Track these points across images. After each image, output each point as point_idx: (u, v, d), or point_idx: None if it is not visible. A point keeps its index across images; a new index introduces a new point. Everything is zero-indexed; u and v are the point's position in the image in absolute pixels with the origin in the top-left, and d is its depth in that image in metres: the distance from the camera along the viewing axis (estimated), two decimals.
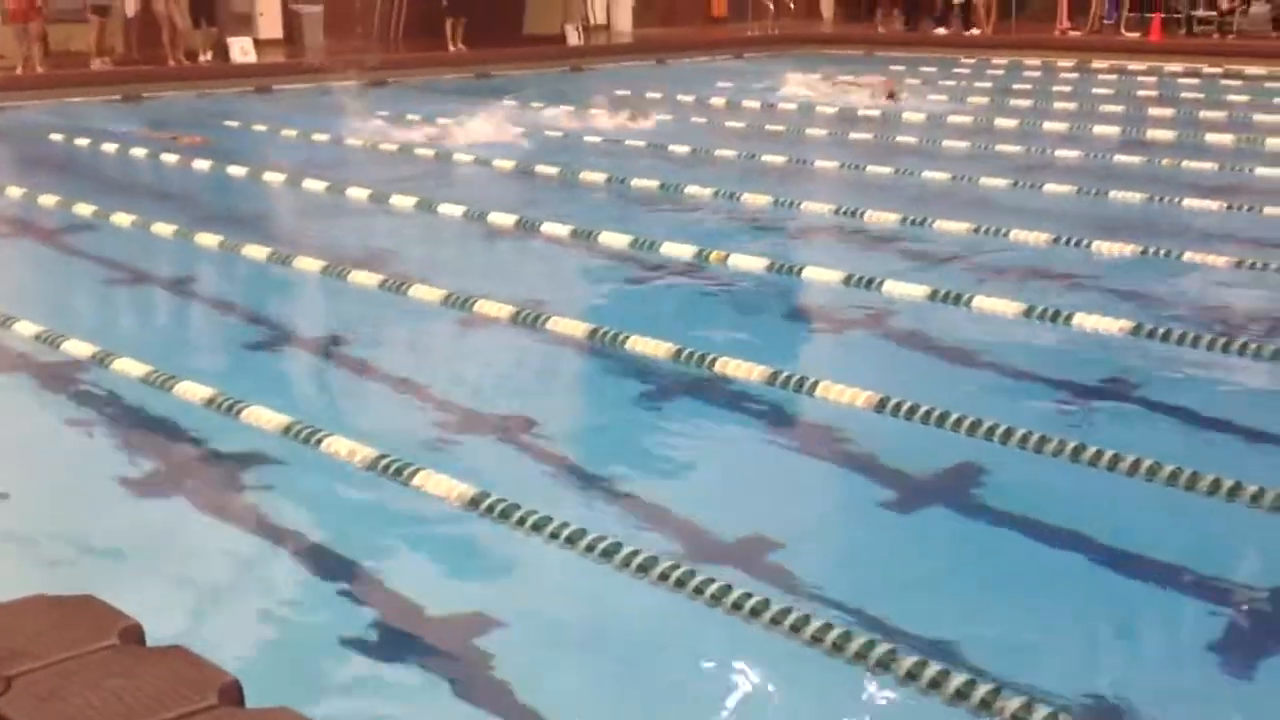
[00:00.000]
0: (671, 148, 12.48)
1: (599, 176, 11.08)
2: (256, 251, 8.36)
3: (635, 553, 3.99)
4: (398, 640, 3.70)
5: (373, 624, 3.75)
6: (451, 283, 7.37)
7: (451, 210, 9.66)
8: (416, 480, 4.60)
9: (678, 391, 5.81)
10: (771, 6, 26.53)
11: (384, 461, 4.73)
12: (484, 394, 5.89)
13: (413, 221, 9.71)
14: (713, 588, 3.77)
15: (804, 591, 3.91)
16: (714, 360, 5.87)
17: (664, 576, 3.87)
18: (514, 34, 23.02)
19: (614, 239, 8.55)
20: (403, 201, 10.02)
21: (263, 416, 5.23)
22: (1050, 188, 10.09)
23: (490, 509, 4.36)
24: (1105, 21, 23.53)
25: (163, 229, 9.07)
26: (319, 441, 4.96)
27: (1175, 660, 3.66)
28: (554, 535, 4.17)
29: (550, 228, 8.95)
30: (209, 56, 19.59)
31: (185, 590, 3.97)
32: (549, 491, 4.71)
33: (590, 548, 4.07)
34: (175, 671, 2.48)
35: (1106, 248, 7.98)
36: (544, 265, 8.53)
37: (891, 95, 16.33)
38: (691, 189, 10.35)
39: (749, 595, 3.72)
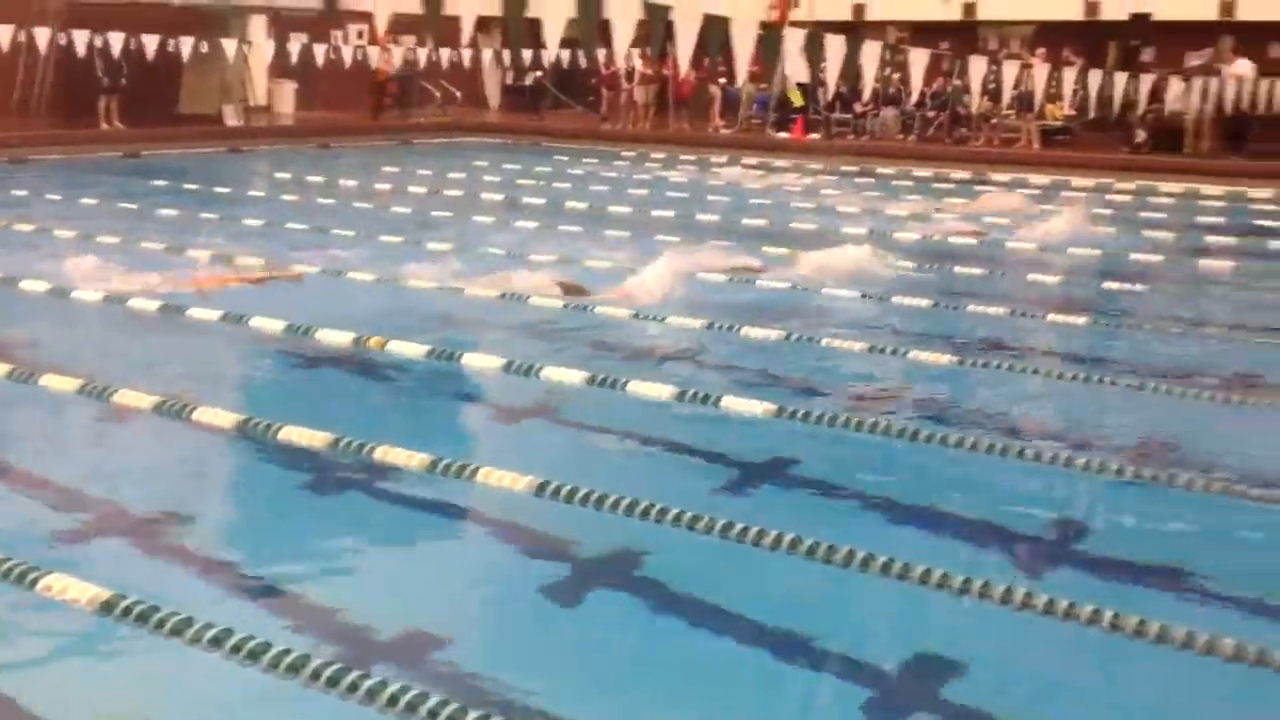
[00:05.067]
0: (335, 231, 12.28)
1: (256, 260, 10.75)
2: None
3: (285, 652, 3.82)
4: None
5: None
6: (89, 371, 6.93)
7: (89, 296, 9.10)
8: (43, 584, 4.25)
9: (335, 482, 5.66)
10: (438, 95, 26.72)
11: (5, 565, 4.35)
12: (123, 490, 5.54)
13: (45, 306, 9.10)
14: (367, 684, 3.66)
15: (465, 683, 3.86)
16: (373, 449, 5.76)
17: (315, 675, 3.73)
18: (168, 113, 22.17)
19: (268, 324, 8.27)
20: (34, 286, 9.38)
21: None
22: (703, 276, 10.52)
23: (127, 612, 4.09)
24: (754, 121, 25.02)
25: None
26: None
27: None
28: (196, 638, 3.94)
29: (199, 313, 8.58)
30: None
31: None
32: (194, 592, 4.48)
33: (236, 649, 3.87)
34: None
35: (754, 333, 8.38)
36: (192, 352, 8.14)
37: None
38: (353, 274, 10.20)
39: (406, 690, 3.63)
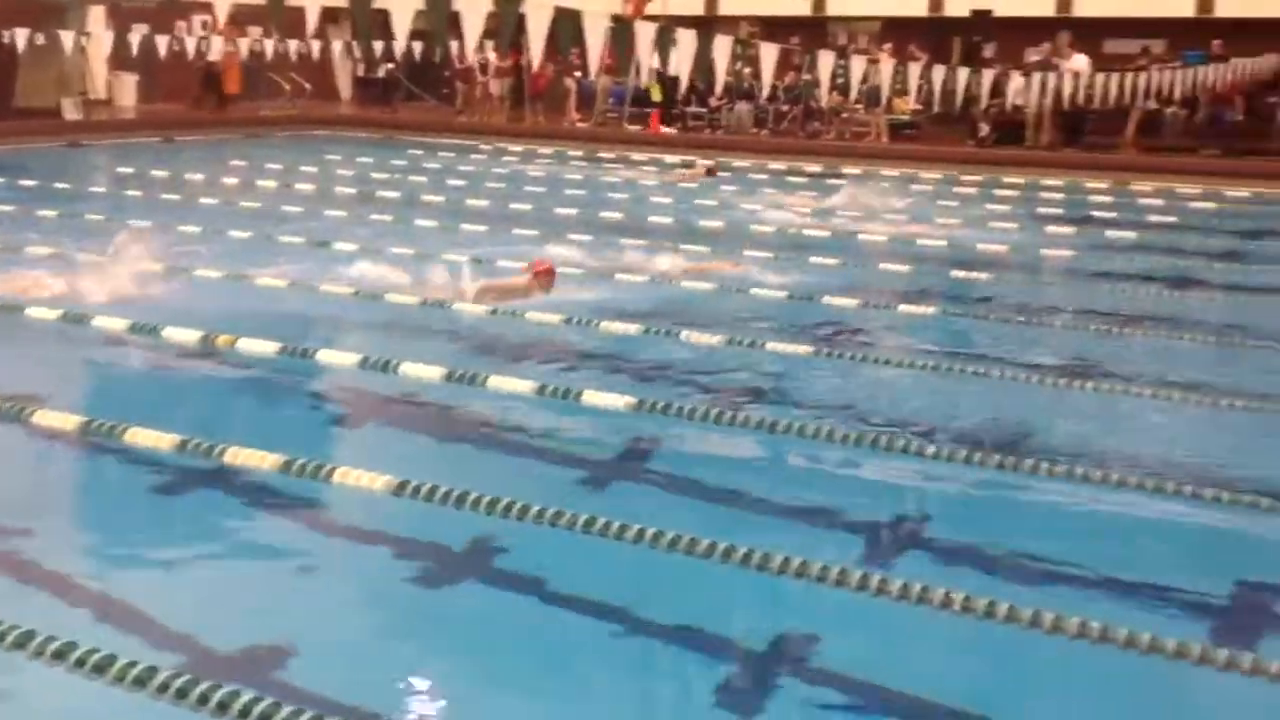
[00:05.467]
0: (181, 227, 11.91)
1: (93, 257, 10.35)
2: None
3: (132, 664, 3.69)
4: None
5: None
6: None
7: None
8: None
9: (183, 485, 5.49)
10: (287, 87, 26.14)
11: None
12: None
13: None
14: (218, 695, 3.55)
15: (321, 691, 3.77)
16: (223, 450, 5.60)
17: (164, 688, 3.60)
18: (4, 107, 21.25)
19: (110, 323, 7.98)
20: None
21: None
22: (561, 270, 10.47)
23: None
24: (610, 114, 25.04)
25: None
26: None
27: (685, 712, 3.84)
28: (39, 652, 3.78)
29: (38, 313, 8.23)
30: None
31: None
32: (35, 604, 4.31)
33: (81, 662, 3.72)
34: None
35: (614, 327, 8.38)
36: (31, 353, 7.81)
37: (710, 172, 18.23)
38: (201, 270, 9.92)
39: (259, 700, 3.54)
